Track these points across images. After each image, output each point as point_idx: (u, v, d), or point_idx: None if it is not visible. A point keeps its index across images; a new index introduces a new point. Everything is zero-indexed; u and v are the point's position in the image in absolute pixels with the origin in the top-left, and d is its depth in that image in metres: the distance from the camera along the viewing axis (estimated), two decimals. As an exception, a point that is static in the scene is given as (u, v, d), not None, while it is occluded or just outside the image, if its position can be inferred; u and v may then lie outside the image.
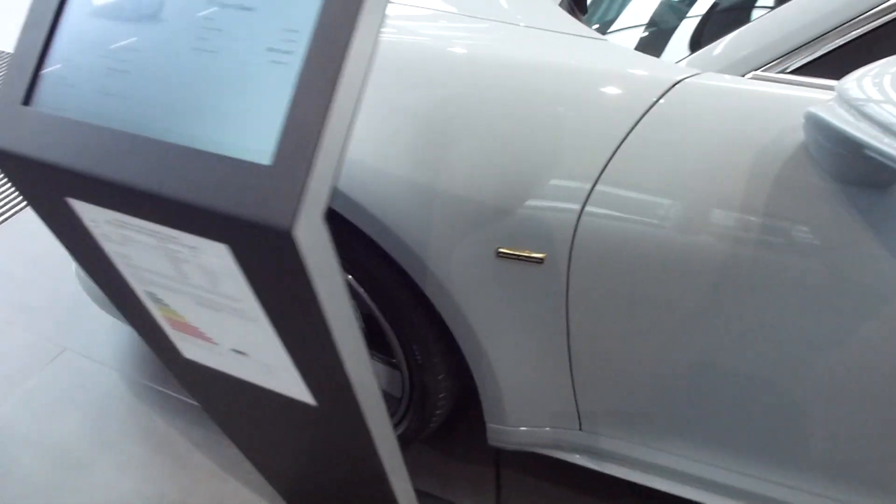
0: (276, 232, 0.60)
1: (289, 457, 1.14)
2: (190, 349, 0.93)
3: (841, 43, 0.83)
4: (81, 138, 0.69)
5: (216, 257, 0.70)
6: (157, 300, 0.85)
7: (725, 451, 1.11)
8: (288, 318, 0.73)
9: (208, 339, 0.88)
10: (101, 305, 1.57)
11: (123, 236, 0.75)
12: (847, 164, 0.78)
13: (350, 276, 1.16)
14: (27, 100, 0.72)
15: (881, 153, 0.68)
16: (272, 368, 0.86)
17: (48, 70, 0.73)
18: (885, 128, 0.68)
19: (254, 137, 0.63)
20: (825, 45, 0.84)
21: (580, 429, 1.25)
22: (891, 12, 0.80)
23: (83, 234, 0.79)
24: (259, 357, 0.85)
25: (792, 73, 0.86)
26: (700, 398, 1.05)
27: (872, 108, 0.70)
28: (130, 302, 0.89)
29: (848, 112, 0.72)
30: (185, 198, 0.64)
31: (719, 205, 0.86)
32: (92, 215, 0.75)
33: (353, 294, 1.19)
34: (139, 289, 0.85)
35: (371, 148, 0.99)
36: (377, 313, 1.19)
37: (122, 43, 0.70)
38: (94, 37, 0.71)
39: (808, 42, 0.84)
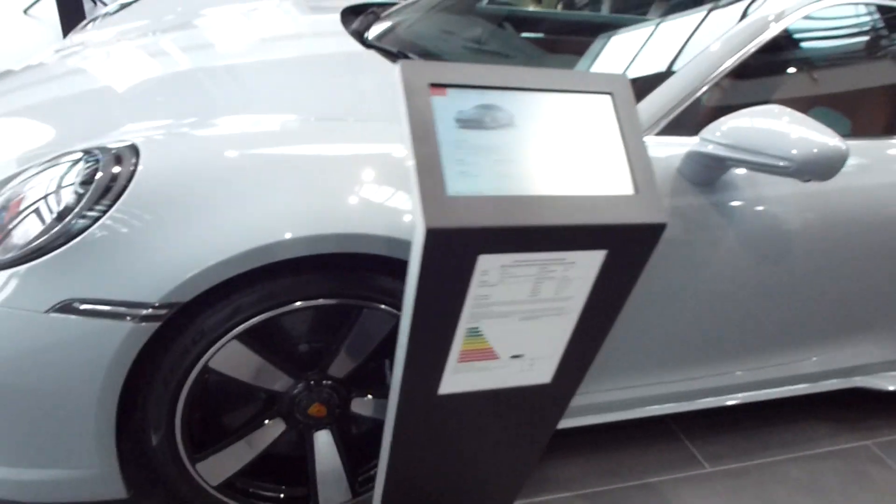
0: (654, 227, 1.08)
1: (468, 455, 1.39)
2: (454, 381, 1.18)
3: (676, 115, 1.65)
4: (498, 207, 1.01)
5: (583, 266, 1.09)
6: (474, 333, 1.12)
7: (661, 370, 1.81)
8: (602, 304, 1.16)
9: (493, 357, 1.17)
10: None
11: (504, 275, 1.05)
12: (702, 175, 1.61)
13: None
14: (445, 190, 0.98)
15: (735, 160, 1.51)
16: (535, 361, 1.21)
17: (450, 168, 1.00)
18: (732, 148, 1.52)
19: (618, 183, 1.08)
20: (670, 116, 1.65)
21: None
22: (692, 98, 1.66)
23: (456, 287, 1.04)
24: (533, 353, 1.20)
25: (656, 134, 1.65)
26: (644, 341, 1.74)
27: (725, 138, 1.53)
28: (434, 345, 1.11)
29: (711, 145, 1.54)
30: (588, 223, 1.04)
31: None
32: (489, 265, 1.03)
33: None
34: (463, 326, 1.10)
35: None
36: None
37: (499, 142, 1.04)
38: (473, 142, 1.03)
39: (661, 116, 1.64)
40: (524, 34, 2.36)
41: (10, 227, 1.35)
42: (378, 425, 1.59)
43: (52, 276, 1.26)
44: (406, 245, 1.33)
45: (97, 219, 1.27)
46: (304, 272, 1.36)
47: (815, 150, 1.45)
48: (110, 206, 1.28)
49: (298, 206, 1.31)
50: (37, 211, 1.33)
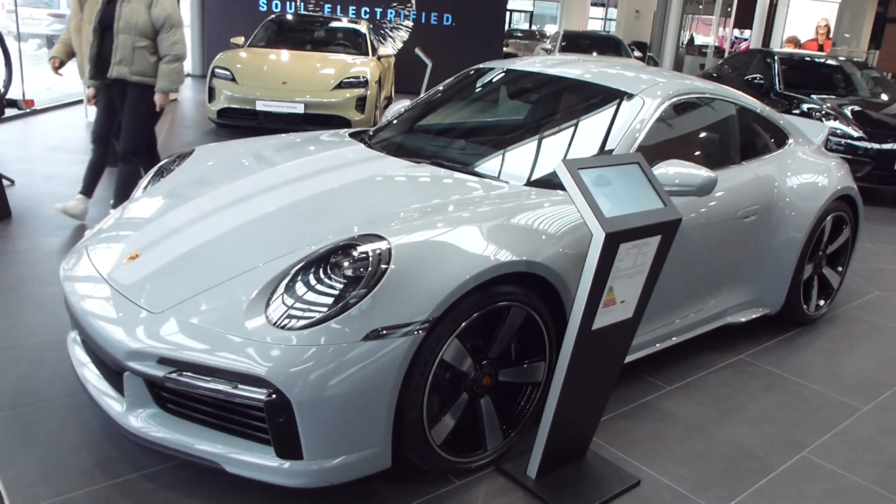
0: (678, 220, 2.24)
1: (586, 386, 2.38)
2: (599, 320, 2.21)
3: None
4: (627, 218, 2.11)
5: (652, 245, 2.21)
6: (610, 290, 2.17)
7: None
8: (655, 266, 2.28)
9: (614, 303, 2.23)
10: None
11: (626, 254, 2.14)
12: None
13: (536, 314, 2.47)
14: (604, 214, 2.06)
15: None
16: (628, 304, 2.29)
17: (601, 204, 2.08)
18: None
19: (655, 202, 2.24)
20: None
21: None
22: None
23: (608, 263, 2.10)
24: (628, 298, 2.27)
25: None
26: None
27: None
28: (595, 297, 2.14)
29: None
30: (659, 221, 2.18)
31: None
32: (623, 248, 2.11)
33: (534, 322, 2.49)
34: (608, 286, 2.15)
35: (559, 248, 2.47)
36: (545, 331, 2.52)
37: (611, 189, 2.15)
38: (602, 190, 2.12)
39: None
40: (485, 138, 3.51)
41: (306, 296, 2.15)
42: (514, 387, 2.54)
43: (361, 318, 2.09)
44: (533, 264, 2.36)
45: (377, 282, 2.13)
46: (477, 292, 2.30)
47: (702, 179, 2.76)
48: (384, 272, 2.15)
49: (477, 256, 2.29)
50: (338, 281, 2.16)
